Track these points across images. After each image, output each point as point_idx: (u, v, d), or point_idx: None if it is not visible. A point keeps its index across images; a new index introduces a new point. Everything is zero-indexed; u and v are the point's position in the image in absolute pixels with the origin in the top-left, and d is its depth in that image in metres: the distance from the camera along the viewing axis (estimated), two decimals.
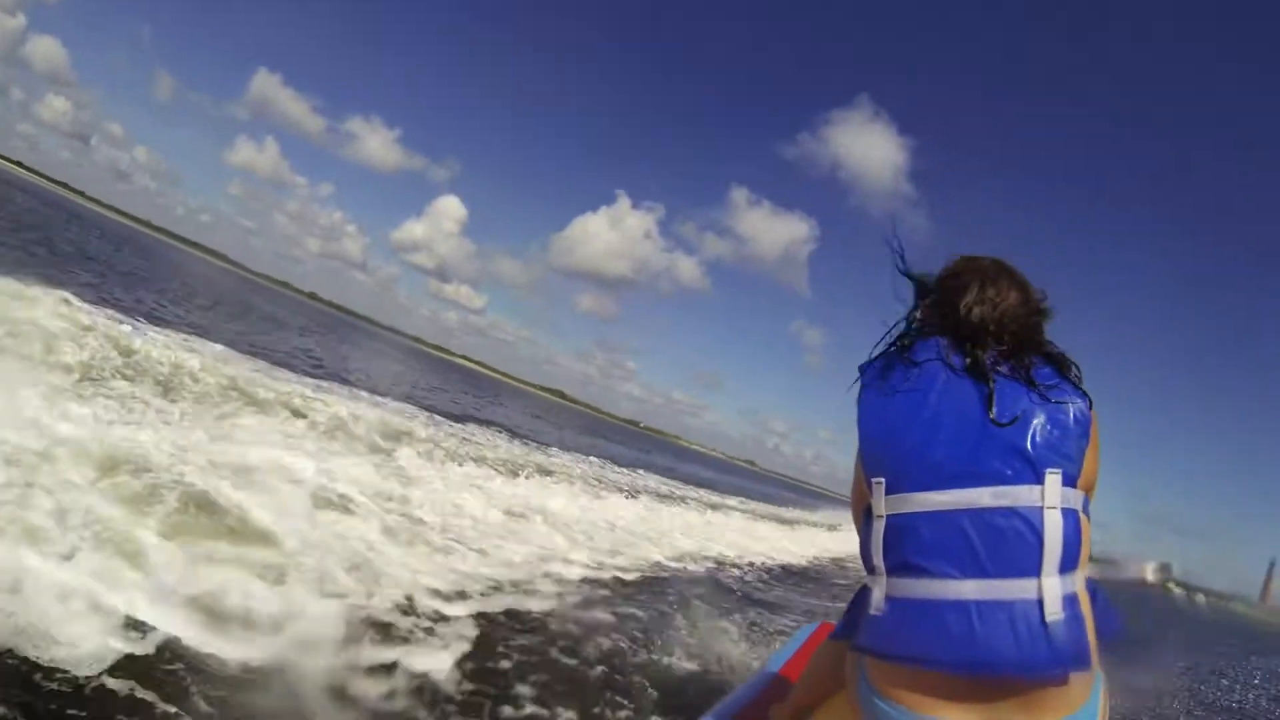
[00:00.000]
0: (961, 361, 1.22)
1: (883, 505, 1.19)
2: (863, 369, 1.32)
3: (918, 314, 1.36)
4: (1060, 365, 1.23)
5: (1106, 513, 1.28)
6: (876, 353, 1.33)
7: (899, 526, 1.17)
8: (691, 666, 3.79)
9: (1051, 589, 1.08)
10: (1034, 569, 1.08)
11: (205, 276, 36.27)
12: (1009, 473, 1.11)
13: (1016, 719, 1.09)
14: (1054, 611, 1.07)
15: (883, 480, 1.20)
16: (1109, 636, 1.19)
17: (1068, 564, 1.10)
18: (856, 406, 1.28)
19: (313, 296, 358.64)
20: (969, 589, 1.09)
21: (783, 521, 17.21)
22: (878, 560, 1.20)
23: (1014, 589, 1.08)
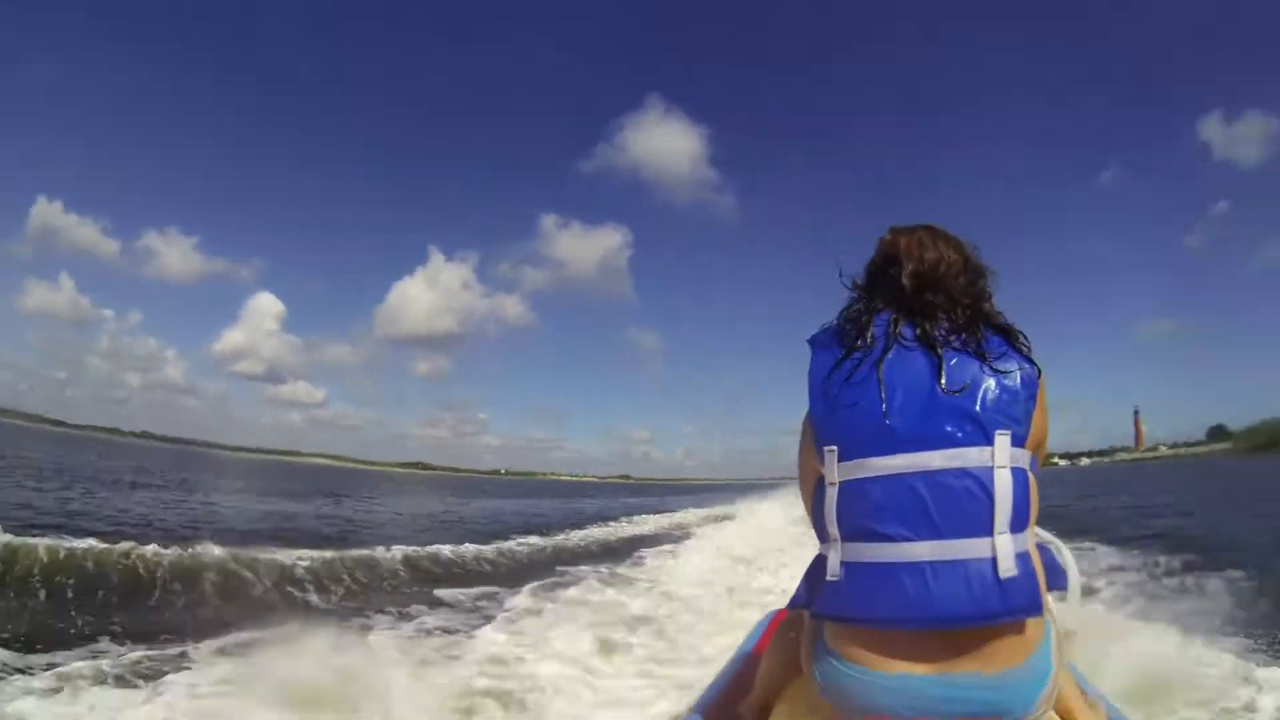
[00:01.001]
0: (911, 333, 1.26)
1: (835, 472, 1.22)
2: (811, 341, 1.35)
3: (861, 293, 1.38)
4: (1008, 335, 1.27)
5: None
6: (824, 328, 1.37)
7: (853, 492, 1.20)
8: (661, 670, 3.85)
9: (1004, 546, 1.12)
10: (986, 528, 1.12)
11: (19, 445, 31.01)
12: (959, 435, 1.16)
13: (974, 667, 1.13)
14: (1007, 568, 1.11)
15: (835, 447, 1.22)
16: (1056, 590, 1.28)
17: (1018, 522, 1.14)
18: (807, 378, 1.30)
19: (144, 435, 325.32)
20: (923, 550, 1.13)
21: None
22: (832, 527, 1.23)
23: (967, 548, 1.12)
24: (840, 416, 1.24)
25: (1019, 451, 1.17)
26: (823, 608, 1.24)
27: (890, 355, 1.24)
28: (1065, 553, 1.41)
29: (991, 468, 1.14)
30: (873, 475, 1.19)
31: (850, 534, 1.21)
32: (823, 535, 1.26)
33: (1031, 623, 1.16)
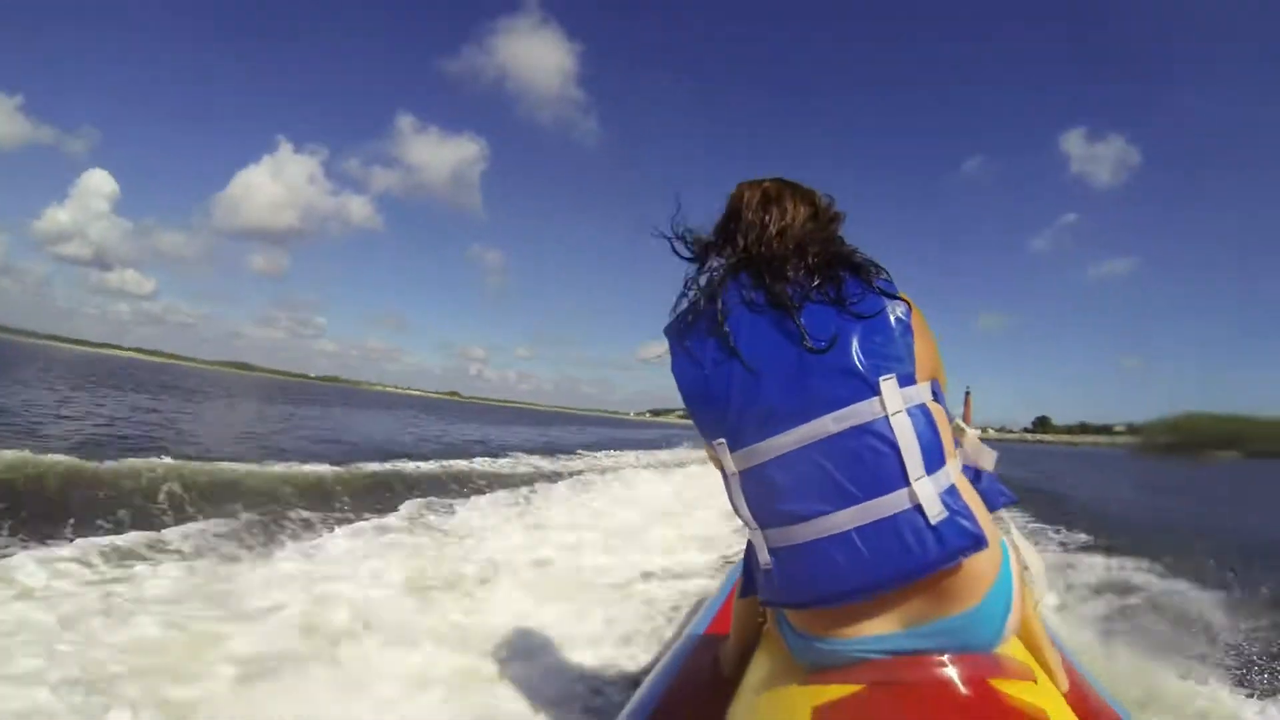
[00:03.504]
0: (762, 298, 1.18)
1: (731, 463, 1.18)
2: (667, 332, 1.28)
3: (707, 261, 1.31)
4: (863, 273, 1.18)
5: None
6: (676, 311, 1.29)
7: (755, 479, 1.15)
8: (609, 650, 3.25)
9: (925, 490, 1.05)
10: (900, 479, 1.06)
11: None
12: (842, 393, 1.09)
13: (938, 613, 1.09)
14: (936, 511, 1.05)
15: (724, 439, 1.17)
16: (1000, 507, 1.27)
17: (933, 460, 1.08)
18: (672, 371, 1.24)
19: None
20: (844, 518, 1.07)
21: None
22: (748, 517, 1.19)
23: (888, 504, 1.06)
24: (717, 408, 1.18)
25: (911, 389, 1.10)
26: (767, 597, 1.22)
27: (747, 329, 1.17)
28: (995, 478, 1.32)
29: (886, 416, 1.07)
30: (768, 459, 1.13)
31: (767, 521, 1.16)
32: (745, 523, 1.22)
33: (983, 554, 1.09)
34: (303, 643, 2.70)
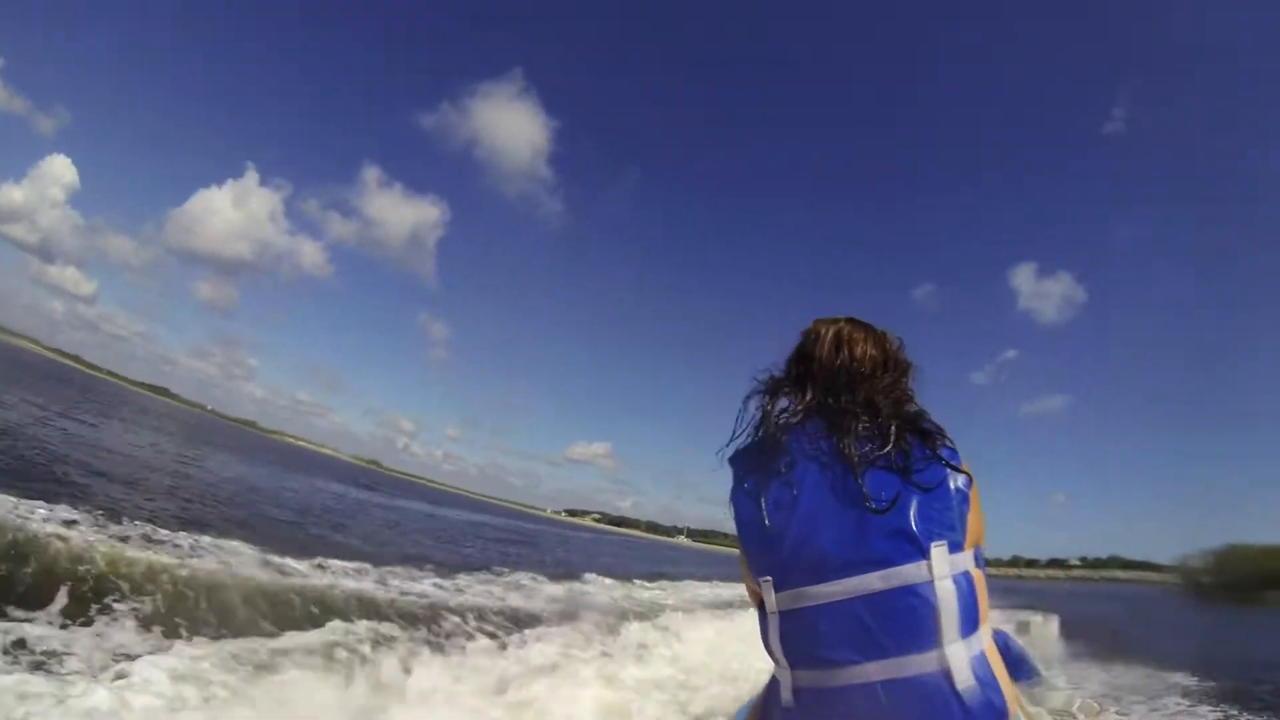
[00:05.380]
0: (830, 448, 1.21)
1: (774, 602, 1.19)
2: (731, 461, 1.30)
3: (781, 400, 1.33)
4: (930, 441, 1.21)
5: None
6: (742, 443, 1.32)
7: (794, 621, 1.17)
8: None
9: (957, 656, 1.08)
10: (933, 641, 1.08)
11: None
12: (894, 554, 1.11)
13: None
14: (964, 679, 1.07)
15: (770, 578, 1.19)
16: (1024, 680, 1.40)
17: (968, 626, 1.11)
18: (731, 504, 1.27)
19: None
20: (872, 670, 1.09)
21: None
22: (779, 655, 1.20)
23: (918, 663, 1.08)
24: (770, 547, 1.20)
25: (959, 556, 1.14)
26: None
27: (812, 480, 1.20)
28: (1022, 646, 1.31)
29: (931, 581, 1.10)
30: (812, 604, 1.15)
31: (798, 662, 1.18)
32: (773, 659, 1.23)
33: None
34: None
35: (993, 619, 1.19)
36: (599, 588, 10.05)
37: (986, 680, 1.09)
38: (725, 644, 7.02)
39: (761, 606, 1.22)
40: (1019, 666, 1.33)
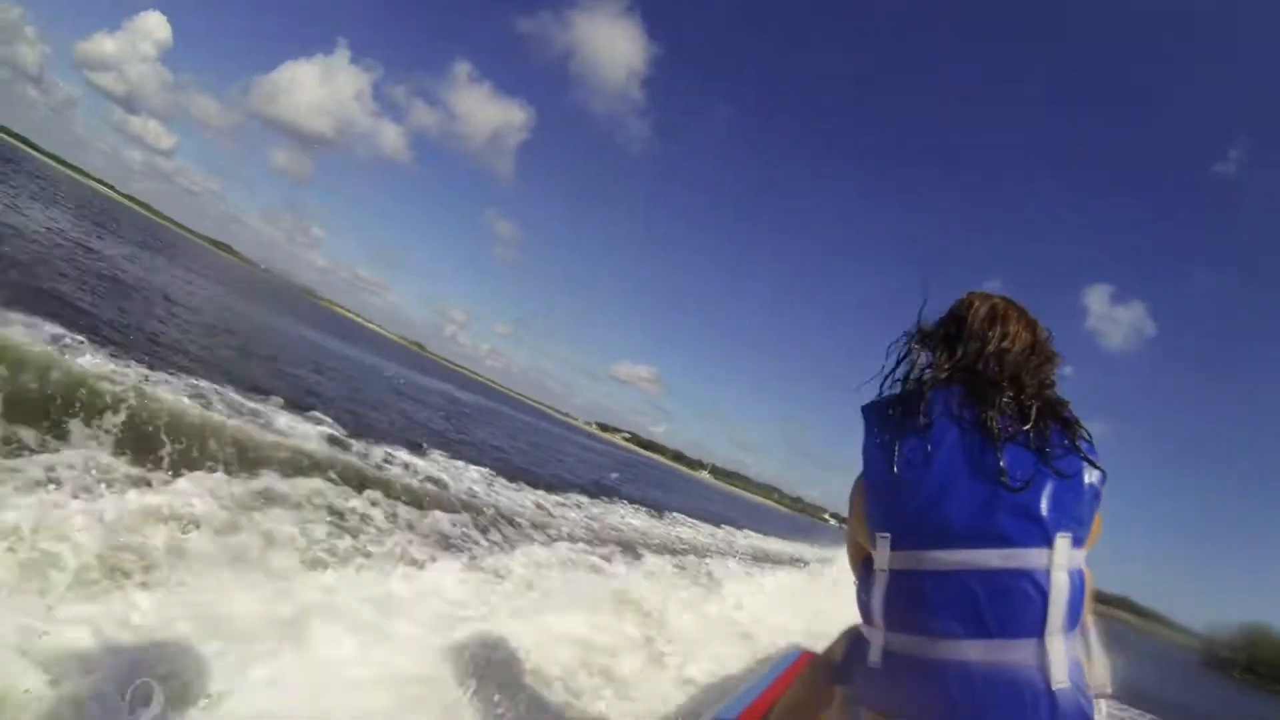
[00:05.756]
0: (973, 417, 1.18)
1: (887, 559, 1.16)
2: (866, 411, 1.27)
3: (924, 355, 1.31)
4: (1072, 432, 1.18)
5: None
6: (881, 394, 1.30)
7: (903, 583, 1.14)
8: (666, 691, 3.53)
9: (1056, 651, 1.07)
10: (1038, 629, 1.07)
11: None
12: (1020, 535, 1.09)
13: None
14: (1060, 679, 1.06)
15: (889, 535, 1.16)
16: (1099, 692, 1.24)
17: (1072, 622, 1.09)
18: (862, 453, 1.24)
19: None
20: (972, 650, 1.07)
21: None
22: (878, 614, 1.17)
23: (1017, 651, 1.07)
24: (896, 503, 1.17)
25: (1078, 552, 1.11)
26: (864, 693, 1.22)
27: (951, 440, 1.16)
28: (1095, 647, 1.30)
29: (1049, 570, 1.08)
30: (926, 569, 1.12)
31: (896, 624, 1.15)
32: (867, 617, 1.21)
33: None
34: None
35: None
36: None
37: (1079, 684, 1.08)
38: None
39: (866, 562, 1.20)
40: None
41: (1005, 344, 1.26)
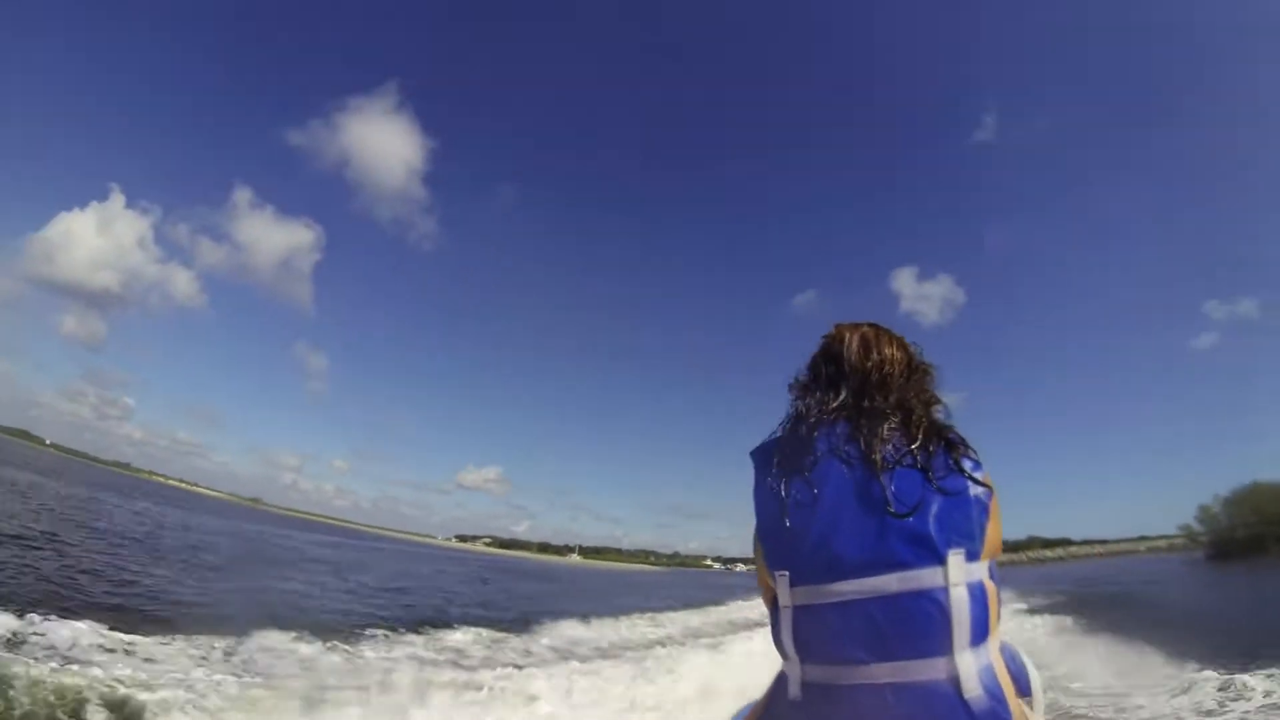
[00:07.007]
0: (856, 451, 1.24)
1: (788, 596, 1.21)
2: (754, 456, 1.33)
3: (803, 397, 1.37)
4: (955, 451, 1.24)
5: None
6: (768, 438, 1.34)
7: (807, 617, 1.19)
8: None
9: (966, 665, 1.11)
10: (944, 648, 1.11)
11: None
12: (912, 557, 1.14)
13: None
14: (971, 689, 1.10)
15: (787, 572, 1.21)
16: (1026, 696, 1.31)
17: (978, 636, 1.13)
18: (753, 497, 1.28)
19: None
20: (881, 672, 1.12)
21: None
22: (789, 649, 1.22)
23: (926, 669, 1.11)
24: (788, 542, 1.22)
25: (974, 565, 1.16)
26: None
27: (834, 480, 1.22)
28: (1026, 660, 1.48)
29: (946, 588, 1.13)
30: (826, 601, 1.17)
31: (808, 656, 1.21)
32: (782, 652, 1.26)
33: None
34: None
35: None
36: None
37: (994, 692, 1.12)
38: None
39: (774, 602, 1.25)
40: (1021, 680, 1.33)
41: (886, 370, 1.33)
